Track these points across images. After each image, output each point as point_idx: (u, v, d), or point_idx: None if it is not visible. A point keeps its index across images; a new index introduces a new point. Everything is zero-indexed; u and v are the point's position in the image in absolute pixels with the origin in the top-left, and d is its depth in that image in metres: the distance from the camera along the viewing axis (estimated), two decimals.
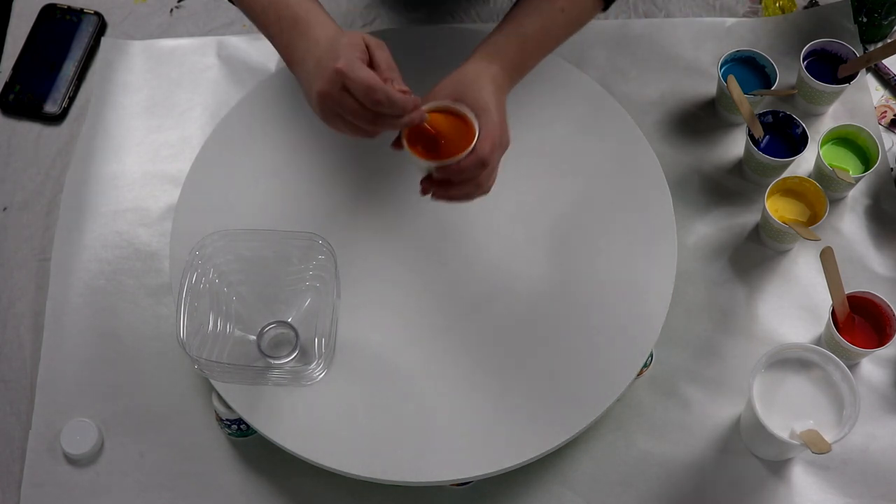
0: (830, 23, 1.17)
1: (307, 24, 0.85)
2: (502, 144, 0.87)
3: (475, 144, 0.84)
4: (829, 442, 0.86)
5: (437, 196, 0.87)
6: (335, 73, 0.79)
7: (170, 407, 0.99)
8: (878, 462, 0.95)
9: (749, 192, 1.08)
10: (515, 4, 0.94)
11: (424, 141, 0.86)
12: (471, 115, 0.85)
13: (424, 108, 0.84)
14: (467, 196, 0.88)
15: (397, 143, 0.87)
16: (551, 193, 1.02)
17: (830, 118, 1.12)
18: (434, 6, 1.20)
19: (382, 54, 0.83)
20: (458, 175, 0.85)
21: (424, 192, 0.87)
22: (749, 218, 1.07)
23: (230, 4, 1.24)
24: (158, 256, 1.06)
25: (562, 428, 0.91)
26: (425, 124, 0.84)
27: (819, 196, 1.01)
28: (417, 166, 0.87)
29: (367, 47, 0.82)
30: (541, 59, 0.93)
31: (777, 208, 1.02)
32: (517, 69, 0.91)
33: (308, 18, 0.86)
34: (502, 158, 0.89)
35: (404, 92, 0.81)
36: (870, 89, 1.14)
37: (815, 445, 0.85)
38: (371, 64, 0.82)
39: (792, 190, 1.03)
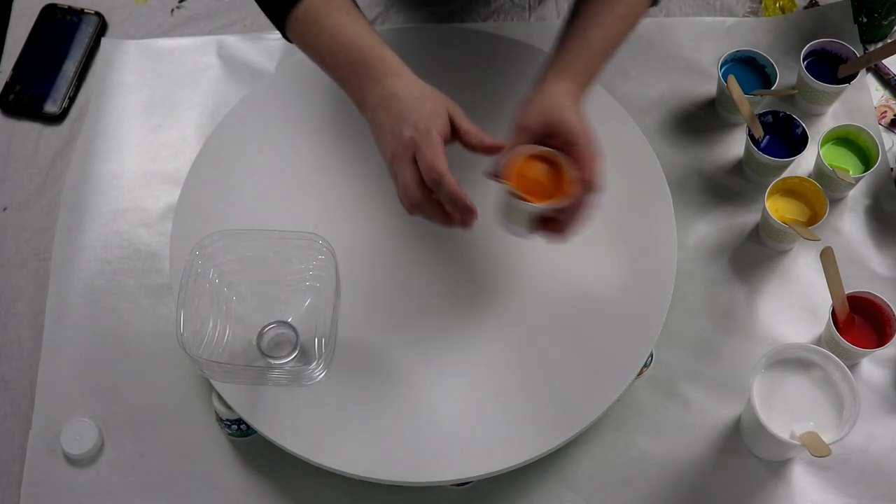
0: (830, 23, 1.17)
1: (382, 71, 0.85)
2: (601, 159, 0.87)
3: (589, 174, 0.84)
4: (829, 443, 0.86)
5: (555, 238, 0.87)
6: (409, 141, 0.82)
7: (170, 407, 0.99)
8: (878, 462, 0.95)
9: (749, 192, 1.08)
10: (574, 16, 0.93)
11: (525, 188, 0.86)
12: (556, 154, 0.86)
13: (519, 151, 0.86)
14: (585, 224, 0.87)
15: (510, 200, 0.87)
16: None
17: (830, 118, 1.12)
18: (437, 6, 1.20)
19: (464, 121, 0.85)
20: (582, 210, 0.85)
21: (537, 234, 0.88)
22: (749, 218, 1.07)
23: (231, 4, 1.24)
24: (158, 256, 1.06)
25: (562, 428, 0.91)
26: (515, 173, 0.85)
27: (819, 196, 1.01)
28: (521, 216, 0.88)
29: (450, 116, 0.84)
30: (605, 67, 0.93)
31: (777, 208, 1.02)
32: (589, 83, 0.91)
33: (382, 66, 0.85)
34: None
35: (495, 148, 0.84)
36: (870, 89, 1.14)
37: (814, 449, 0.85)
38: (455, 130, 0.85)
39: (792, 190, 1.03)
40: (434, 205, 0.84)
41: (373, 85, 0.85)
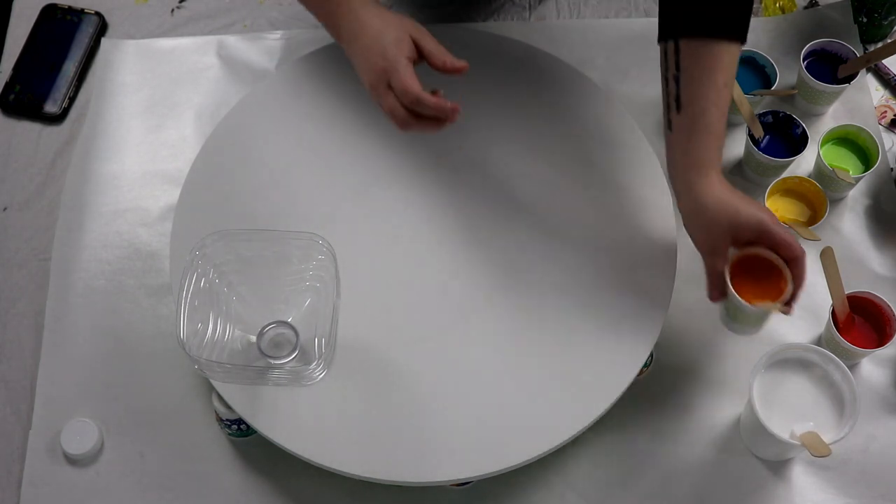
0: (830, 23, 1.17)
1: (349, 2, 0.91)
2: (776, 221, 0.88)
3: (791, 252, 0.86)
4: (829, 443, 0.86)
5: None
6: (381, 71, 0.88)
7: (170, 407, 0.99)
8: (878, 462, 0.95)
9: (749, 192, 1.08)
10: (683, 99, 0.89)
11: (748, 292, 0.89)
12: (764, 251, 0.88)
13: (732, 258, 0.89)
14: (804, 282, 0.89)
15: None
16: (551, 194, 1.02)
17: (830, 118, 1.12)
18: (439, 7, 1.20)
19: (429, 42, 0.91)
20: (798, 283, 0.87)
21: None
22: None
23: (231, 4, 1.24)
24: (158, 256, 1.06)
25: (562, 428, 0.91)
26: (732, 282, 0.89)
27: (819, 196, 1.01)
28: (754, 318, 0.91)
29: (414, 40, 0.89)
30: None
31: (777, 208, 1.02)
32: (720, 163, 0.91)
33: None
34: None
35: (458, 69, 0.90)
36: (870, 89, 1.14)
37: (815, 449, 0.85)
38: (421, 54, 0.90)
39: (792, 190, 1.03)
40: (420, 120, 0.89)
41: (343, 15, 0.91)
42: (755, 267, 0.90)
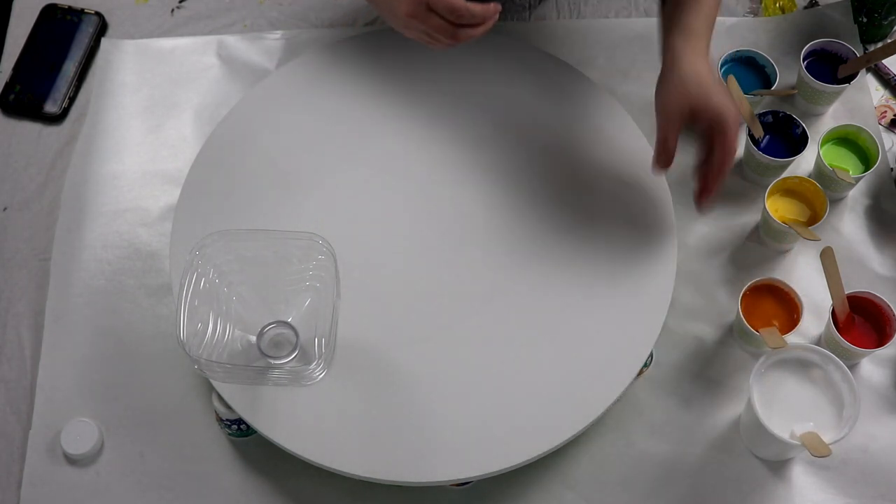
0: (830, 23, 1.17)
1: None
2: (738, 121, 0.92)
3: (727, 142, 0.90)
4: (829, 443, 0.86)
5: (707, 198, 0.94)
6: None
7: (170, 407, 0.99)
8: (878, 462, 0.95)
9: (749, 192, 1.08)
10: None
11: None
12: (784, 285, 0.96)
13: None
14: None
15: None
16: (551, 193, 1.02)
17: (830, 118, 1.12)
18: None
19: None
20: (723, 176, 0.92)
21: (702, 206, 0.94)
22: (749, 218, 1.07)
23: (231, 4, 1.24)
24: (158, 256, 1.06)
25: (562, 428, 0.91)
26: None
27: (819, 196, 1.02)
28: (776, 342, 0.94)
29: None
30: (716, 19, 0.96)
31: (777, 208, 1.02)
32: (709, 41, 0.94)
33: None
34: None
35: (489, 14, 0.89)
36: (870, 89, 1.14)
37: (815, 449, 0.85)
38: None
39: (792, 190, 1.03)
40: (465, 30, 0.90)
41: None
42: (769, 295, 0.97)
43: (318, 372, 0.91)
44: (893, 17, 1.15)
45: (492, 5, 0.89)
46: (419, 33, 0.92)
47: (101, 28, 1.20)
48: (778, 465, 0.95)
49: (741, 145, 1.09)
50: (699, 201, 0.94)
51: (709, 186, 0.93)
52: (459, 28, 0.90)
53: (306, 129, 1.06)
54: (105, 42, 1.19)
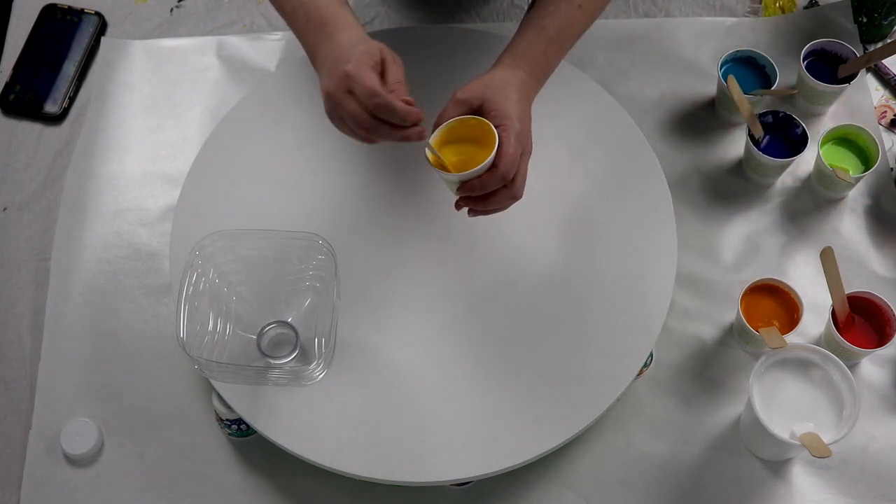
0: (830, 23, 1.17)
1: (334, 27, 0.86)
2: (526, 152, 0.87)
3: (495, 158, 0.84)
4: (829, 443, 0.86)
5: (472, 212, 0.89)
6: (344, 75, 0.81)
7: (170, 407, 0.99)
8: (878, 462, 0.95)
9: (749, 192, 1.08)
10: (533, 5, 0.94)
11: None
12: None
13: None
14: (499, 206, 0.88)
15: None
16: (551, 194, 1.02)
17: (830, 118, 1.12)
18: (434, 6, 1.20)
19: (395, 69, 0.84)
20: (480, 189, 0.85)
21: (458, 207, 0.89)
22: (749, 218, 1.07)
23: (231, 4, 1.24)
24: (158, 256, 1.06)
25: (562, 428, 0.91)
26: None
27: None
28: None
29: (383, 59, 0.84)
30: (563, 57, 0.94)
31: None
32: (543, 71, 0.92)
33: (336, 22, 0.86)
34: None
35: (408, 103, 0.82)
36: (870, 89, 1.14)
37: (815, 449, 0.85)
38: (382, 75, 0.83)
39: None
40: (386, 127, 0.82)
41: (324, 40, 0.86)
42: (769, 295, 0.97)
43: (318, 372, 0.91)
44: (893, 17, 1.15)
45: (415, 110, 0.81)
46: (337, 118, 0.84)
47: (101, 28, 1.20)
48: (778, 465, 0.95)
49: (741, 145, 1.09)
50: (461, 204, 0.89)
51: (471, 186, 0.86)
52: (377, 123, 0.81)
53: (306, 129, 1.06)
54: (105, 42, 1.19)
